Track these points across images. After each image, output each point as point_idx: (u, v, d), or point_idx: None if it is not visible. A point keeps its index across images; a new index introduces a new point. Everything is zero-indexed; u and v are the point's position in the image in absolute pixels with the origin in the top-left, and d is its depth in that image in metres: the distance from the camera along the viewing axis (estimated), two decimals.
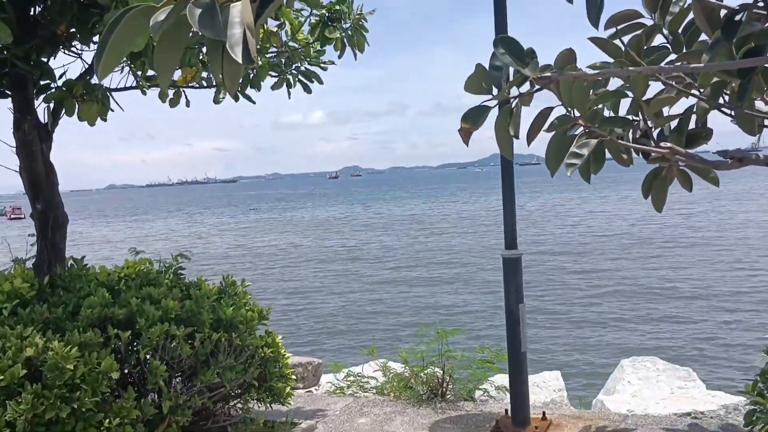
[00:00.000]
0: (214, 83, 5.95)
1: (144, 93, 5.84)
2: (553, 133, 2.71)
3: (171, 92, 6.13)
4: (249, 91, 5.87)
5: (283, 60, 5.81)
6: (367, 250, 37.10)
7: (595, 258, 29.06)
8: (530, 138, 3.00)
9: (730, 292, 19.34)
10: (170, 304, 4.66)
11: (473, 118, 2.45)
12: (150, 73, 5.93)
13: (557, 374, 7.38)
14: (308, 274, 29.37)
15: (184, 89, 6.03)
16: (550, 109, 2.85)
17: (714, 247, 28.57)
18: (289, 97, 5.96)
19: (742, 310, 16.93)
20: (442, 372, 6.45)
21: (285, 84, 5.96)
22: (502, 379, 6.68)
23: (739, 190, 64.62)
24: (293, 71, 5.81)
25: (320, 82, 5.95)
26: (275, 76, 5.89)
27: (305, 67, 5.82)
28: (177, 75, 6.01)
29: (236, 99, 5.98)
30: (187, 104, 6.17)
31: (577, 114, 2.62)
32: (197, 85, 5.98)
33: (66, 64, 4.96)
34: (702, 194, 53.85)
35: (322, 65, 5.78)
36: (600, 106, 2.75)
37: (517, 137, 2.51)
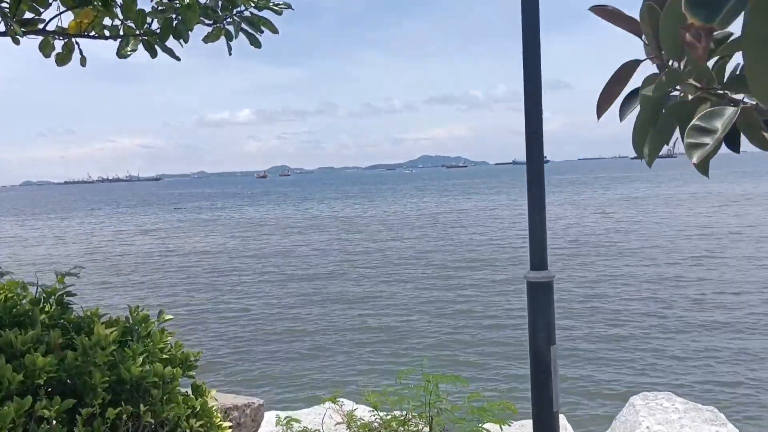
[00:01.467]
0: (121, 32, 4.21)
1: (16, 42, 4.05)
2: (641, 99, 1.95)
3: (59, 45, 4.35)
4: (172, 44, 4.16)
5: (220, 2, 4.14)
6: (303, 255, 35.29)
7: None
8: (602, 107, 2.24)
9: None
10: (38, 360, 2.93)
11: None
12: (27, 15, 4.16)
13: (562, 420, 5.96)
14: (241, 285, 27.34)
15: (78, 40, 4.27)
16: (637, 63, 2.10)
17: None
18: (230, 53, 4.28)
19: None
20: (429, 429, 4.88)
21: (223, 36, 4.27)
22: None
23: None
24: (234, 17, 4.14)
25: (274, 30, 4.29)
26: (209, 24, 4.21)
27: (251, 12, 4.15)
28: (68, 20, 4.25)
29: (153, 54, 4.26)
30: (82, 62, 4.40)
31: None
32: (95, 35, 4.23)
33: None
34: None
35: (274, 6, 4.12)
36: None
37: None
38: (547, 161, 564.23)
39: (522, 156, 4.38)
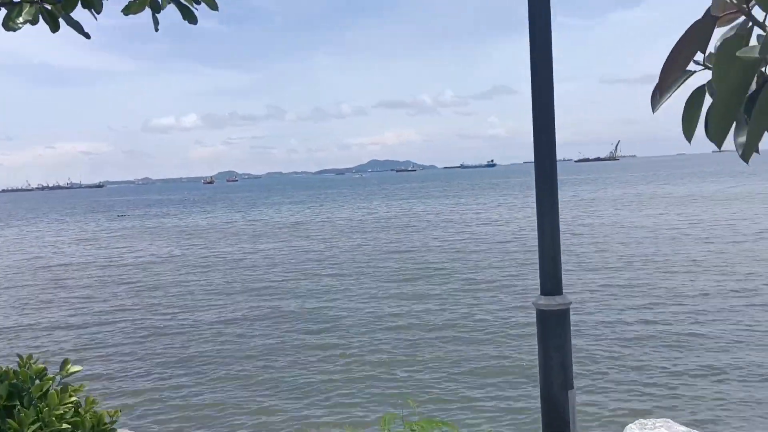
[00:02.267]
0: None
1: None
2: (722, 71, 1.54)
3: None
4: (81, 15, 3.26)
5: None
6: (251, 265, 34.07)
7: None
8: (665, 85, 1.80)
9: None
10: None
11: None
12: None
13: None
14: (184, 299, 26.07)
15: None
16: (714, 19, 1.69)
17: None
18: (156, 28, 3.38)
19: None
20: None
21: (149, 8, 3.39)
22: None
23: None
24: None
25: (213, 6, 3.44)
26: None
27: None
28: None
29: (55, 27, 3.32)
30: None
31: None
32: None
33: None
34: None
35: None
36: None
37: None
38: (494, 165, 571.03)
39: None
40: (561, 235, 3.47)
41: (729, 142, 1.71)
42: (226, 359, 16.62)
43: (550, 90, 3.62)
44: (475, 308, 20.14)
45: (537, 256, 3.46)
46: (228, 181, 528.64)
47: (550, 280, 3.23)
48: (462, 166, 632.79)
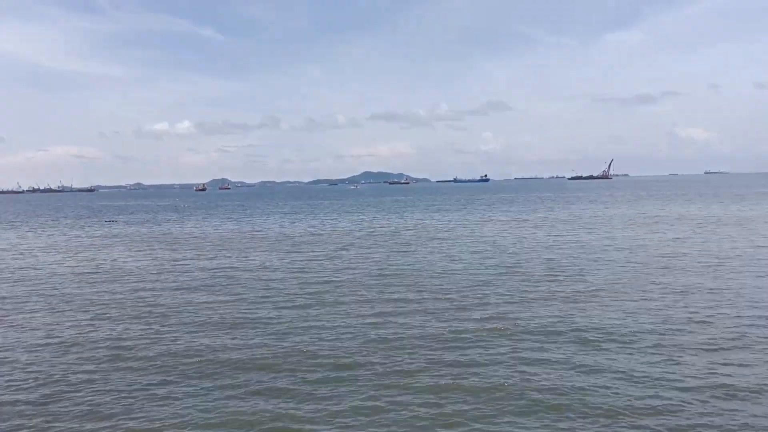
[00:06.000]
0: None
1: None
2: None
3: None
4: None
5: None
6: (244, 277, 33.30)
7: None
8: None
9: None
10: None
11: None
12: None
13: None
14: (163, 315, 25.34)
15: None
16: None
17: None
18: None
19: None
20: None
21: None
22: None
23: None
24: None
25: None
26: None
27: None
28: None
29: None
30: None
31: None
32: None
33: None
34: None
35: None
36: None
37: None
38: (488, 180, 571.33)
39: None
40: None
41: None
42: (217, 368, 15.97)
43: None
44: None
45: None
46: (220, 188, 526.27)
47: None
48: (455, 180, 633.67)
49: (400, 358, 16.92)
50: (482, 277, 29.23)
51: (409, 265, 33.85)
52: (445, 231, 55.59)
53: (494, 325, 19.99)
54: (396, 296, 25.22)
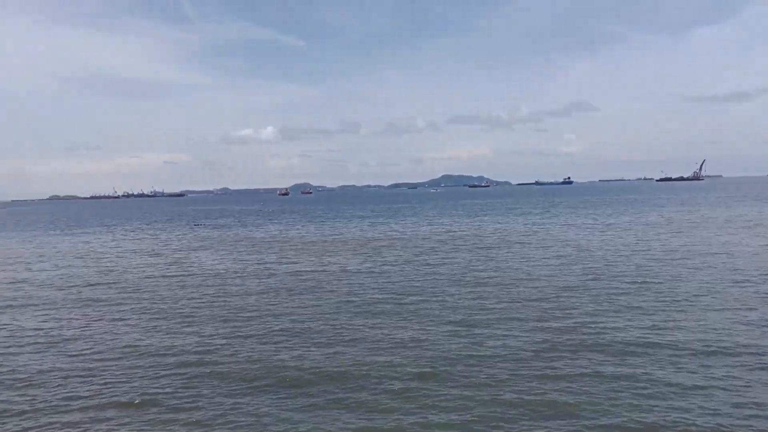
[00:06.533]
0: None
1: None
2: None
3: None
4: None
5: None
6: (331, 281, 33.50)
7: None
8: None
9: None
10: None
11: None
12: None
13: None
14: (251, 318, 25.67)
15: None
16: None
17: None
18: None
19: None
20: None
21: None
22: None
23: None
24: None
25: None
26: None
27: None
28: None
29: None
30: None
31: None
32: None
33: None
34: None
35: None
36: None
37: None
38: (571, 182, 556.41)
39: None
40: None
41: None
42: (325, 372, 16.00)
43: None
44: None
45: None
46: (302, 193, 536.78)
47: None
48: (537, 183, 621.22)
49: (484, 370, 16.37)
50: (567, 284, 28.23)
51: (491, 270, 33.15)
52: (528, 235, 54.31)
53: (581, 336, 19.12)
54: (478, 303, 24.65)
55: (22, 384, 16.45)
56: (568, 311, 22.70)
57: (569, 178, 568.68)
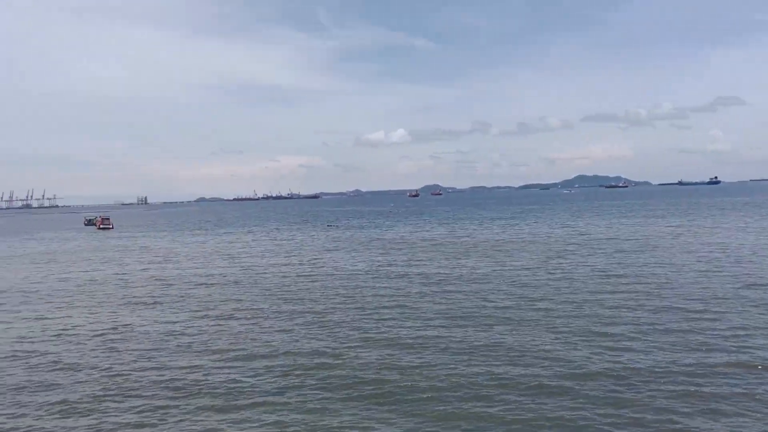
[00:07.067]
0: None
1: None
2: None
3: None
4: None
5: None
6: (464, 284, 33.25)
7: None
8: None
9: None
10: None
11: None
12: None
13: None
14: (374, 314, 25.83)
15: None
16: None
17: None
18: None
19: None
20: None
21: None
22: None
23: None
24: None
25: None
26: None
27: None
28: None
29: None
30: None
31: None
32: None
33: None
34: None
35: None
36: None
37: None
38: (718, 182, 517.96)
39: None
40: None
41: None
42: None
43: None
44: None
45: None
46: (432, 194, 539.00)
47: None
48: (680, 183, 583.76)
49: (620, 391, 15.19)
50: (713, 292, 26.09)
51: (631, 276, 31.32)
52: (669, 238, 51.00)
53: (734, 357, 17.41)
54: (617, 313, 23.28)
55: (166, 382, 17.52)
56: (716, 322, 20.91)
57: (716, 177, 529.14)
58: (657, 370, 16.24)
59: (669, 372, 16.04)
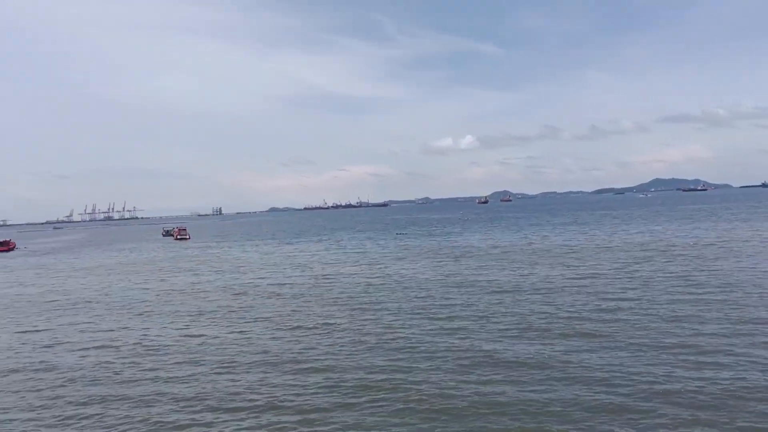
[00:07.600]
0: None
1: None
2: None
3: None
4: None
5: None
6: (524, 291, 32.55)
7: None
8: None
9: None
10: None
11: None
12: None
13: None
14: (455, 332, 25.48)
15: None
16: None
17: None
18: None
19: None
20: None
21: None
22: None
23: None
24: None
25: None
26: None
27: None
28: None
29: None
30: None
31: None
32: None
33: None
34: None
35: None
36: None
37: None
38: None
39: None
40: None
41: None
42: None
43: None
44: None
45: None
46: (502, 200, 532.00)
47: None
48: (764, 185, 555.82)
49: (705, 409, 14.54)
50: None
51: (713, 285, 29.77)
52: (758, 244, 48.44)
53: None
54: (702, 326, 22.15)
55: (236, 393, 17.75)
56: None
57: None
58: (749, 386, 15.31)
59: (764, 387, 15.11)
